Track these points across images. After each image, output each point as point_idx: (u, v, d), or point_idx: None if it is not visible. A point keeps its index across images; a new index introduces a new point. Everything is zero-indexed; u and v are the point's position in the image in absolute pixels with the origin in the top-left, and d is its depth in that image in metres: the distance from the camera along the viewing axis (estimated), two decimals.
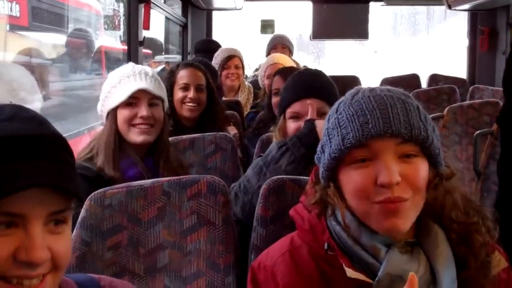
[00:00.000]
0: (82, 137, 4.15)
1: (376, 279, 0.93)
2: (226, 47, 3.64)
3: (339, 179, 0.99)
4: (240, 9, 5.20)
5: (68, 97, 4.81)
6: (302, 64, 4.00)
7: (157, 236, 1.40)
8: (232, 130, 2.56)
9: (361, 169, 0.95)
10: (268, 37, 4.47)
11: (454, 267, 0.96)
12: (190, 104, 2.32)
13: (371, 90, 0.99)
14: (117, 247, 1.38)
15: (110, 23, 6.02)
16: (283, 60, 3.33)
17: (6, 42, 3.51)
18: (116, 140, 1.69)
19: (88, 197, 1.38)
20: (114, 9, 6.05)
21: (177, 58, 5.47)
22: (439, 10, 13.14)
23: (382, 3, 5.14)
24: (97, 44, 5.39)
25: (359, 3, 4.94)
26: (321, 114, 1.66)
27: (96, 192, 1.39)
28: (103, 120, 1.77)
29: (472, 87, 4.55)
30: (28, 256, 0.72)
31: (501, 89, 2.00)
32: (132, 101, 1.70)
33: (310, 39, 5.23)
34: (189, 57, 4.62)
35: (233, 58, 3.45)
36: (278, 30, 5.32)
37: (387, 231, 0.94)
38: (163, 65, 5.94)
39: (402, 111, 0.94)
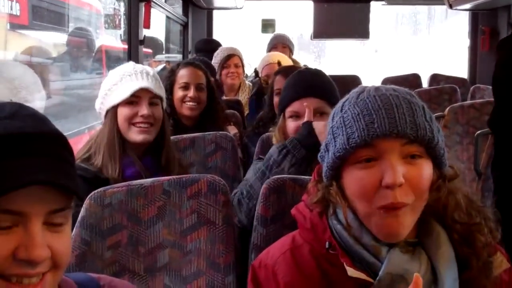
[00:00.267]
0: (83, 136, 4.14)
1: (377, 278, 0.93)
2: (226, 46, 3.65)
3: (342, 178, 0.99)
4: (240, 8, 5.20)
5: (69, 96, 4.80)
6: (302, 63, 4.00)
7: (157, 235, 1.40)
8: (232, 130, 2.56)
9: (365, 169, 0.94)
10: (268, 37, 4.47)
11: (456, 267, 0.95)
12: (190, 103, 2.32)
13: (377, 89, 0.99)
14: (117, 246, 1.38)
15: (111, 22, 6.02)
16: (280, 58, 3.33)
17: (6, 41, 3.51)
18: (118, 139, 1.68)
19: (88, 196, 1.38)
20: (114, 8, 6.05)
21: (178, 57, 5.47)
22: (440, 9, 13.14)
23: (383, 2, 5.14)
24: (97, 43, 5.39)
25: (360, 2, 4.94)
26: (321, 114, 1.66)
27: (96, 191, 1.39)
28: (102, 118, 1.77)
29: (473, 87, 4.54)
30: (27, 255, 0.72)
31: None
32: (133, 99, 1.70)
33: (311, 39, 5.23)
34: (190, 56, 4.62)
35: (232, 57, 3.46)
36: (279, 30, 5.32)
37: (386, 237, 0.94)
38: (164, 64, 5.94)
39: (408, 111, 0.94)
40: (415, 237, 0.99)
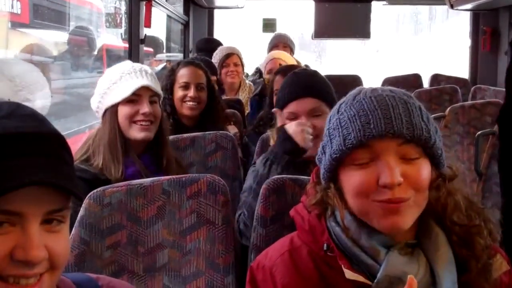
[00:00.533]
0: (83, 135, 4.14)
1: (375, 280, 0.93)
2: (224, 46, 3.66)
3: (340, 180, 0.99)
4: (242, 7, 5.20)
5: (69, 95, 4.80)
6: (303, 63, 4.01)
7: (157, 235, 1.40)
8: (233, 129, 2.56)
9: (362, 170, 0.94)
10: (269, 36, 4.47)
11: (455, 269, 0.95)
12: (191, 103, 2.32)
13: (373, 90, 0.99)
14: (116, 246, 1.37)
15: (112, 21, 6.02)
16: (284, 56, 3.36)
17: (7, 39, 3.50)
18: (120, 137, 1.68)
19: (88, 196, 1.38)
20: (115, 7, 6.04)
21: (179, 56, 5.46)
22: (441, 9, 13.13)
23: (384, 2, 5.14)
24: (98, 42, 5.38)
25: (361, 2, 4.93)
26: (318, 114, 1.65)
27: (95, 190, 1.39)
28: (99, 117, 1.75)
29: (474, 87, 4.54)
30: (25, 255, 0.71)
31: (503, 89, 1.98)
32: (134, 97, 1.70)
33: (312, 38, 5.22)
34: (191, 56, 4.62)
35: (231, 56, 3.47)
36: (280, 29, 5.31)
37: (388, 229, 0.94)
38: (165, 64, 5.93)
39: (404, 112, 0.94)
40: (414, 238, 0.98)
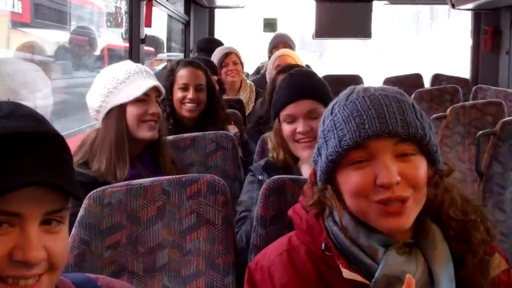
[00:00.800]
0: (83, 135, 4.13)
1: (373, 280, 0.93)
2: (222, 46, 3.67)
3: (337, 181, 0.99)
4: (242, 7, 5.20)
5: (70, 95, 4.80)
6: (304, 63, 4.01)
7: (157, 235, 1.40)
8: (233, 129, 2.55)
9: (359, 170, 0.94)
10: (270, 36, 4.47)
11: (452, 266, 0.95)
12: (190, 104, 2.31)
13: (365, 90, 0.99)
14: (116, 246, 1.37)
15: (113, 21, 6.02)
16: (293, 54, 3.44)
17: (8, 38, 3.50)
18: (127, 137, 1.68)
19: (87, 196, 1.38)
20: (116, 7, 6.05)
21: (180, 56, 5.46)
22: (443, 9, 13.11)
23: (385, 2, 5.14)
24: (99, 41, 5.39)
25: (362, 2, 4.93)
26: (315, 116, 1.63)
27: (95, 190, 1.39)
28: (99, 117, 1.74)
29: (475, 87, 4.53)
30: (24, 256, 0.71)
31: (504, 89, 1.98)
32: (144, 97, 1.71)
33: (313, 38, 5.22)
34: (191, 55, 4.62)
35: (230, 55, 3.47)
36: (281, 29, 5.32)
37: (389, 230, 0.94)
38: (165, 63, 5.93)
39: (398, 110, 0.94)
40: (412, 237, 0.98)
